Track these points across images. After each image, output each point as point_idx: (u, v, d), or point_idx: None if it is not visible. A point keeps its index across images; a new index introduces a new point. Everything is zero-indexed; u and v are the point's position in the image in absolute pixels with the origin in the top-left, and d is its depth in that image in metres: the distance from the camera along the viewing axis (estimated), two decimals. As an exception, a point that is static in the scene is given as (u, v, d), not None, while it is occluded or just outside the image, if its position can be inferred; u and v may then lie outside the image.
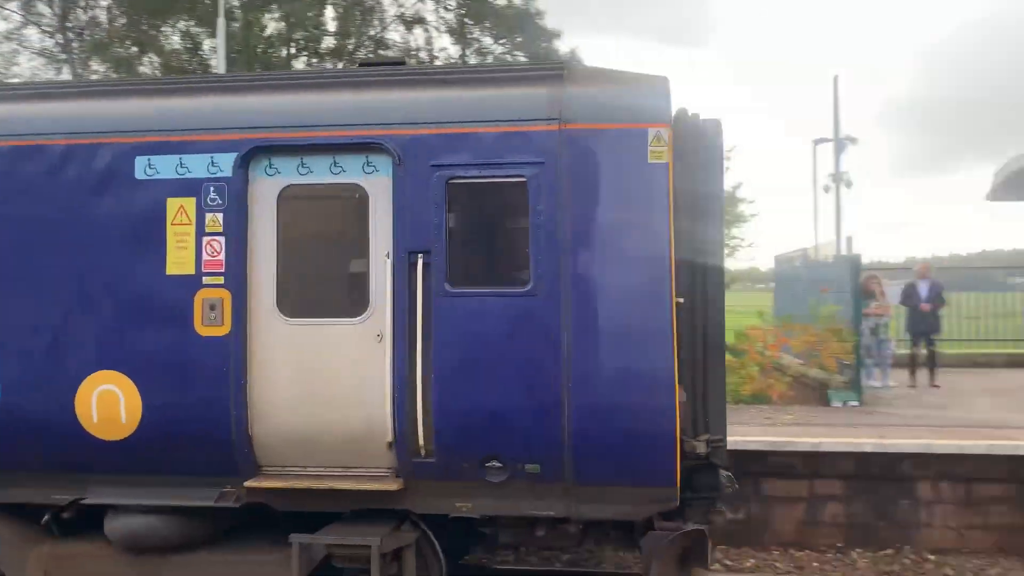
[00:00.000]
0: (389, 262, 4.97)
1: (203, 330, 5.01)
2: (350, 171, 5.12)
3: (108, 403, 5.10)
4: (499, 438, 4.97)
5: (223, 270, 5.00)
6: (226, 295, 4.98)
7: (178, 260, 5.03)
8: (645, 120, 5.03)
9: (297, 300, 5.15)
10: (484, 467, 4.98)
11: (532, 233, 4.96)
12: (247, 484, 5.11)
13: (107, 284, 5.13)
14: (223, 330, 5.00)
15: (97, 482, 5.23)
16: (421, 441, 4.95)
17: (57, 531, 5.49)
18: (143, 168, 5.10)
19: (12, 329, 5.23)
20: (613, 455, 4.94)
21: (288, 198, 5.10)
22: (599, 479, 5.00)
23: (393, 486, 4.99)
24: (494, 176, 5.04)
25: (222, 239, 4.99)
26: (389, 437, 4.99)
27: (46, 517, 5.43)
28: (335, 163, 5.11)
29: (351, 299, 5.15)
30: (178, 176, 5.05)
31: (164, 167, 5.07)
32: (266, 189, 5.08)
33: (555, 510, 5.08)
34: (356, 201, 5.13)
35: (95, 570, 5.43)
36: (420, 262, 4.91)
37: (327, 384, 5.06)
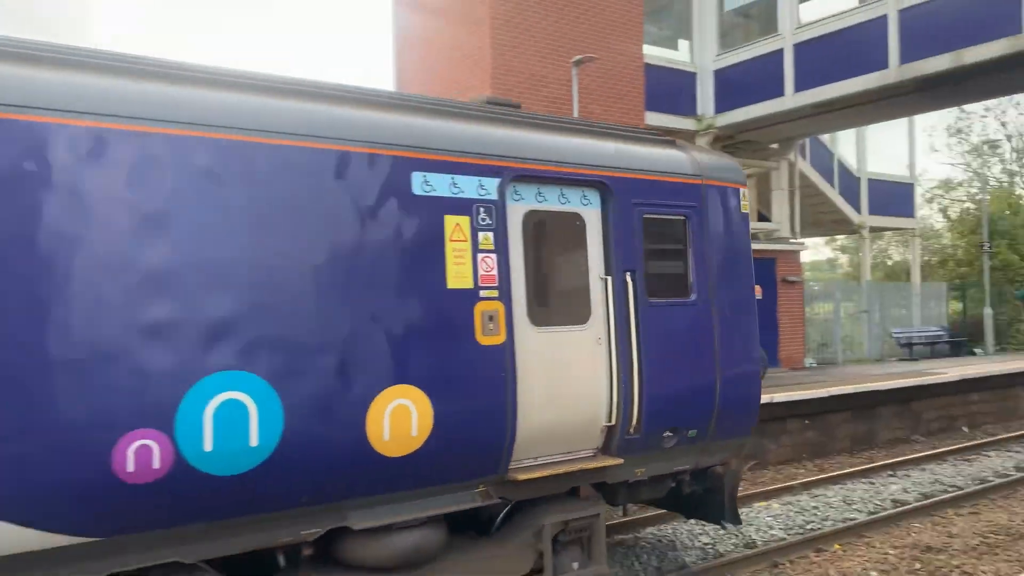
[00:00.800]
0: (609, 279, 6.13)
1: (483, 340, 5.43)
2: (572, 202, 6.14)
3: (400, 418, 5.07)
4: (679, 413, 6.34)
5: (496, 284, 5.53)
6: (500, 307, 5.51)
7: (457, 275, 5.39)
8: (740, 182, 7.05)
9: (539, 311, 5.87)
10: (663, 437, 6.28)
11: (690, 257, 6.55)
12: (509, 477, 5.58)
13: (394, 299, 5.13)
14: (500, 339, 5.49)
15: (356, 506, 5.02)
16: (634, 422, 6.05)
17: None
18: (420, 184, 5.33)
19: (295, 352, 4.67)
20: (733, 417, 6.66)
21: (529, 221, 5.90)
22: (724, 436, 6.66)
23: (617, 461, 6.01)
24: (669, 213, 6.51)
25: (494, 256, 5.56)
26: (607, 421, 6.03)
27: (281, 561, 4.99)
28: (562, 194, 6.09)
29: (578, 309, 6.08)
30: (452, 195, 5.44)
31: (439, 185, 5.42)
32: (515, 212, 5.81)
33: (688, 463, 6.61)
34: (576, 227, 6.17)
35: None
36: (630, 279, 6.16)
37: (566, 383, 5.90)
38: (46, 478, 3.84)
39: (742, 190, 7.11)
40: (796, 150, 18.77)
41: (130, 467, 4.04)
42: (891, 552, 7.47)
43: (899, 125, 23.25)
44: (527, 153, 5.88)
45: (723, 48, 17.02)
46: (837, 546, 7.80)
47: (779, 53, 15.42)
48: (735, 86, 16.33)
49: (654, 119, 15.72)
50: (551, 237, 6.17)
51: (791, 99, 15.17)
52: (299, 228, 4.77)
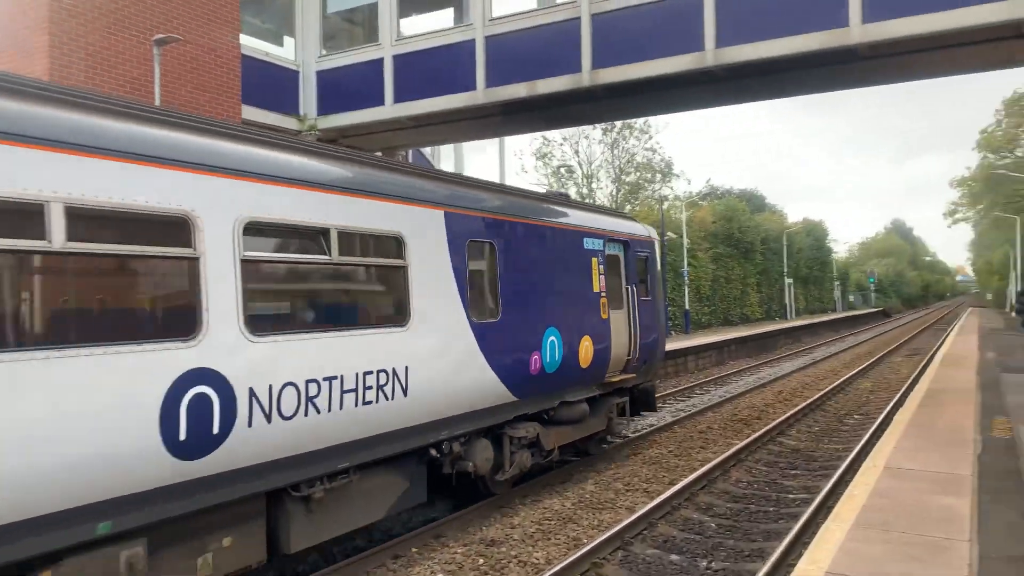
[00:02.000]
0: (630, 287, 11.94)
1: (603, 315, 11.07)
2: (615, 250, 11.73)
3: (587, 350, 10.53)
4: (646, 353, 12.17)
5: (603, 290, 11.22)
6: (605, 300, 11.24)
7: (596, 284, 11.05)
8: (656, 238, 13.63)
9: (610, 302, 11.38)
10: (641, 364, 12.04)
11: (649, 277, 12.80)
12: (606, 380, 11.18)
13: (583, 297, 10.72)
14: (606, 316, 11.21)
15: (568, 390, 10.32)
16: (636, 357, 11.80)
17: None
18: (587, 243, 10.97)
19: (563, 321, 10.05)
20: (658, 357, 13.18)
21: (604, 259, 11.27)
22: (654, 366, 13.09)
23: (632, 376, 11.85)
24: (643, 256, 12.60)
25: (602, 277, 11.24)
26: (628, 356, 11.67)
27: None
28: (612, 245, 11.60)
29: (620, 301, 11.72)
30: (592, 248, 11.11)
31: (592, 245, 11.06)
32: (602, 255, 11.26)
33: (646, 379, 12.80)
34: (615, 261, 11.76)
35: None
36: (633, 288, 11.99)
37: (621, 337, 11.55)
38: (518, 373, 8.88)
39: (656, 241, 13.74)
40: (401, 159, 19.32)
41: (532, 369, 9.15)
42: (459, 551, 7.76)
43: (494, 144, 25.34)
44: (614, 230, 11.74)
45: (327, 50, 16.80)
46: (414, 550, 7.91)
47: (379, 62, 15.65)
48: (338, 89, 16.20)
49: (253, 114, 14.88)
50: (609, 267, 11.37)
51: (390, 109, 15.49)
52: (566, 267, 10.29)
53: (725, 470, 11.24)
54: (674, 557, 7.79)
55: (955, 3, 11.18)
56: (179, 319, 5.34)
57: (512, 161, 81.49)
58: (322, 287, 6.82)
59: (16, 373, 4.37)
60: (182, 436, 5.18)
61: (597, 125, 48.59)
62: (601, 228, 11.26)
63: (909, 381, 19.80)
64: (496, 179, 27.28)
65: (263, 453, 5.80)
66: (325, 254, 6.44)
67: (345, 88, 16.14)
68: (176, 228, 5.26)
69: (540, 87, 14.08)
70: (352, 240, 6.83)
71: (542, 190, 36.94)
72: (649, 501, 9.36)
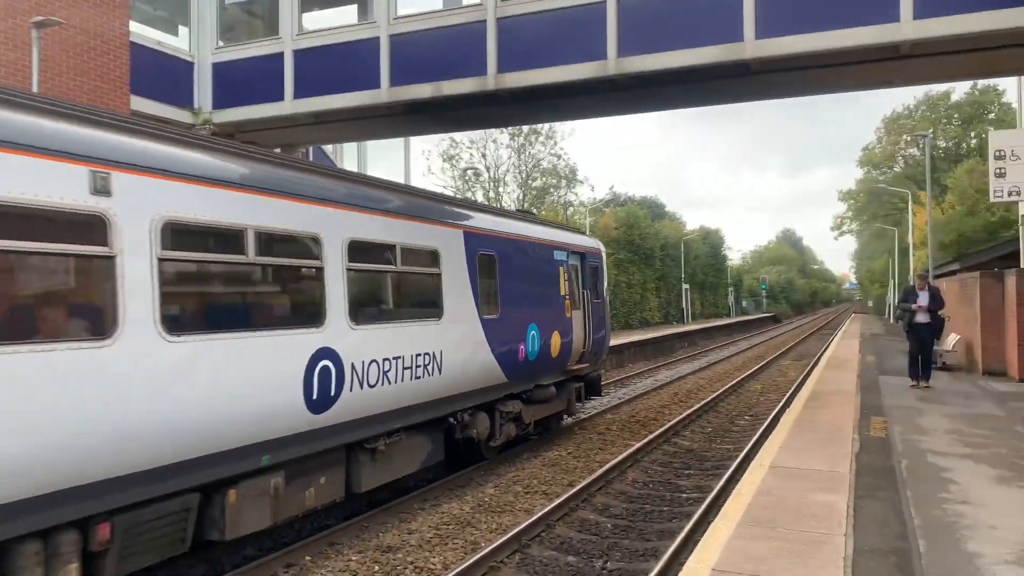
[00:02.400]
0: (585, 292, 14.27)
1: (567, 314, 13.52)
2: (574, 260, 13.98)
3: (556, 343, 12.84)
4: (596, 347, 14.61)
5: (568, 293, 13.63)
6: (568, 302, 13.71)
7: (562, 288, 13.48)
8: (603, 249, 16.16)
9: (573, 303, 13.83)
10: (592, 356, 14.51)
11: (599, 283, 15.23)
12: (568, 369, 13.56)
13: (552, 300, 13.05)
14: (569, 315, 13.59)
15: (541, 376, 12.56)
16: (588, 349, 14.13)
17: None
18: (557, 256, 13.41)
19: (540, 320, 12.32)
20: (604, 350, 15.69)
21: (567, 268, 13.59)
22: (601, 358, 15.62)
23: (586, 366, 14.19)
24: (594, 265, 15.01)
25: (567, 283, 13.64)
26: (583, 349, 13.90)
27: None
28: (572, 256, 13.89)
29: (580, 303, 14.14)
30: (559, 260, 13.43)
31: (560, 257, 13.48)
32: (565, 265, 13.62)
33: (595, 369, 15.11)
34: (575, 269, 14.09)
35: None
36: (588, 291, 14.35)
37: (578, 332, 13.81)
38: (510, 359, 11.00)
39: (604, 252, 16.15)
40: (301, 157, 18.83)
41: (519, 357, 11.21)
42: (354, 558, 7.59)
43: (399, 144, 25.08)
44: (574, 244, 14.05)
45: (225, 41, 16.21)
46: (308, 558, 7.69)
47: (279, 56, 15.22)
48: (236, 83, 15.66)
49: (143, 105, 14.18)
50: (570, 274, 13.51)
51: (290, 105, 15.08)
52: (543, 275, 12.64)
53: (622, 471, 11.44)
54: (571, 558, 7.85)
55: (839, 24, 11.79)
56: (313, 312, 7.44)
57: (419, 162, 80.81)
58: (392, 288, 9.11)
59: (229, 347, 6.38)
60: (314, 396, 7.23)
61: (504, 129, 48.89)
62: (565, 242, 13.73)
63: (796, 383, 20.73)
64: (401, 180, 27.06)
65: (354, 412, 7.87)
66: (392, 265, 8.80)
67: (243, 82, 15.61)
68: (312, 246, 7.47)
69: (445, 88, 14.01)
70: (408, 254, 9.05)
71: (449, 192, 36.85)
72: (548, 503, 9.41)
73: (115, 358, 5.38)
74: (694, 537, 7.71)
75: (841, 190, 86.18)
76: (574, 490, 9.90)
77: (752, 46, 12.28)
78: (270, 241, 6.92)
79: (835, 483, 7.66)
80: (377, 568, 7.33)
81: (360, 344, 7.87)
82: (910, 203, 47.53)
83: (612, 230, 50.55)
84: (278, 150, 17.31)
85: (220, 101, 15.76)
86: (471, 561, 7.23)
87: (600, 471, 10.91)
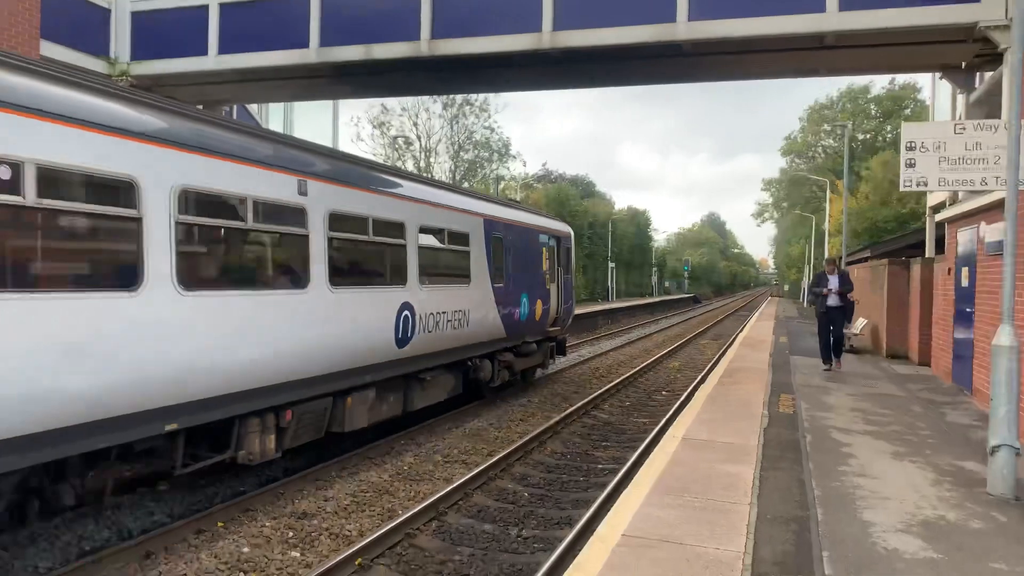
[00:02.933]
0: (559, 268, 17.56)
1: (547, 286, 16.82)
2: (551, 244, 17.02)
3: (540, 309, 16.00)
4: (566, 313, 18.15)
5: (548, 269, 16.97)
6: (548, 276, 17.16)
7: (543, 265, 16.81)
8: (572, 233, 19.20)
9: (549, 277, 17.30)
10: (564, 322, 17.88)
11: (570, 261, 18.59)
12: (548, 332, 17.01)
13: (538, 275, 16.34)
14: (550, 286, 17.04)
15: (529, 335, 15.59)
16: (560, 315, 17.46)
17: None
18: (543, 240, 16.77)
19: (529, 288, 15.51)
20: (566, 317, 18.12)
21: (550, 249, 17.01)
22: (564, 322, 18.04)
23: (558, 329, 17.49)
24: (567, 246, 18.16)
25: (549, 260, 17.25)
26: (555, 315, 17.12)
27: None
28: (551, 239, 17.06)
29: (553, 276, 17.51)
30: (543, 243, 16.43)
31: (545, 241, 16.88)
32: (546, 246, 16.90)
33: (564, 333, 18.34)
34: (552, 250, 17.13)
35: None
36: (563, 269, 17.74)
37: (555, 300, 17.26)
38: (509, 319, 14.17)
39: (572, 236, 18.93)
40: (223, 115, 18.20)
41: (515, 318, 14.45)
42: (268, 524, 7.49)
43: (327, 107, 24.50)
44: (552, 229, 17.17)
45: (145, -11, 15.46)
46: (220, 524, 7.54)
47: (204, 9, 14.63)
48: (156, 34, 14.99)
49: (53, 51, 13.43)
50: (550, 253, 16.64)
51: (214, 60, 14.55)
52: (532, 254, 15.71)
53: (541, 442, 11.60)
54: (487, 526, 7.94)
55: (770, 11, 12.05)
56: (400, 273, 10.34)
57: (348, 128, 79.17)
58: (443, 261, 12.03)
59: (363, 295, 9.43)
60: (399, 336, 10.15)
61: (437, 98, 48.30)
62: (546, 227, 16.95)
63: (712, 361, 21.37)
64: (328, 144, 26.48)
65: (419, 350, 10.76)
66: (443, 243, 11.78)
67: (164, 33, 14.95)
68: (401, 229, 10.39)
69: (377, 52, 13.73)
70: (452, 236, 12.11)
71: (379, 160, 36.41)
72: (467, 472, 9.47)
73: (307, 300, 8.36)
74: (608, 506, 7.89)
75: (765, 179, 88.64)
76: (493, 460, 9.99)
77: (685, 27, 12.45)
78: (384, 227, 10.03)
79: (743, 455, 7.95)
80: (292, 534, 7.26)
81: (425, 300, 10.87)
82: (828, 191, 49.24)
83: (543, 206, 50.79)
84: (200, 107, 16.72)
85: (139, 52, 15.07)
86: (387, 527, 7.23)
87: (520, 442, 11.04)
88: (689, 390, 15.93)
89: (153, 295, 6.33)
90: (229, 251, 7.60)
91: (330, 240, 8.73)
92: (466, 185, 46.23)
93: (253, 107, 20.70)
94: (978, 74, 13.86)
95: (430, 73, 14.96)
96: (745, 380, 13.85)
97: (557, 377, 18.72)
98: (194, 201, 6.86)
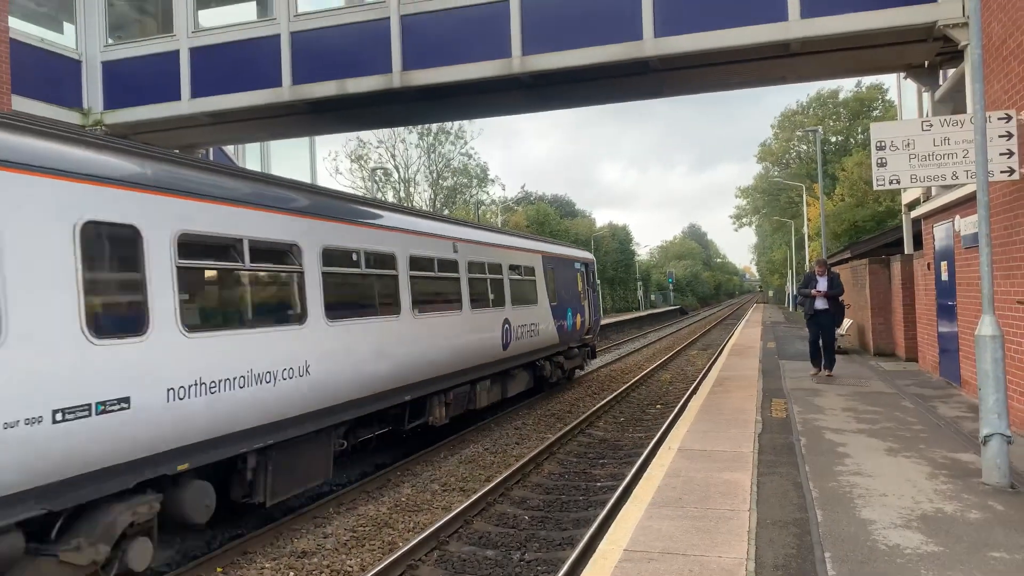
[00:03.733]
0: (589, 289, 21.98)
1: (583, 301, 21.89)
2: (581, 268, 21.82)
3: (577, 320, 20.45)
4: (596, 324, 23.10)
5: (581, 293, 21.83)
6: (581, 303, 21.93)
7: (576, 289, 21.86)
8: (594, 260, 24.04)
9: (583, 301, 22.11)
10: (592, 330, 22.35)
11: (588, 282, 22.13)
12: (584, 340, 21.58)
13: (574, 293, 20.87)
14: (583, 302, 22.12)
15: (571, 345, 20.13)
16: (590, 327, 21.72)
17: None
18: (576, 265, 21.74)
19: (571, 304, 19.99)
20: (595, 328, 22.95)
21: (581, 274, 22.14)
22: (594, 331, 22.85)
23: (590, 337, 21.84)
24: (593, 270, 23.11)
25: (584, 285, 22.27)
26: (589, 325, 22.04)
27: None
28: (576, 266, 21.35)
29: (580, 296, 21.85)
30: (576, 269, 21.56)
31: (579, 267, 21.90)
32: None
33: (593, 341, 22.68)
34: (584, 274, 22.03)
35: None
36: (590, 288, 22.70)
37: (583, 317, 21.10)
38: (560, 329, 18.64)
39: (593, 263, 23.27)
40: (200, 157, 18.19)
41: (564, 328, 18.90)
42: (268, 566, 7.42)
43: (304, 144, 24.58)
44: (582, 257, 22.14)
45: (115, 39, 15.51)
46: (219, 569, 7.47)
47: (175, 55, 14.68)
48: (128, 82, 15.01)
49: (26, 105, 13.41)
50: (581, 276, 21.40)
51: (187, 104, 14.57)
52: (571, 278, 20.44)
53: (538, 464, 11.57)
54: (489, 552, 7.90)
55: (734, 23, 12.24)
56: (501, 298, 14.74)
57: (326, 163, 79.17)
58: (524, 288, 16.34)
59: (484, 315, 13.88)
60: (503, 342, 14.51)
61: (412, 129, 48.53)
62: (578, 256, 21.65)
63: (703, 371, 21.43)
64: (308, 180, 26.54)
65: (513, 352, 15.06)
66: (520, 275, 16.12)
67: (136, 81, 14.98)
68: (499, 270, 15.02)
69: (350, 86, 13.82)
70: (524, 270, 16.55)
71: (359, 193, 36.51)
72: (465, 500, 9.43)
73: (459, 318, 12.73)
74: (609, 522, 7.88)
75: (739, 187, 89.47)
76: (491, 485, 9.95)
77: (652, 44, 12.62)
78: (493, 268, 14.57)
79: (739, 462, 7.97)
80: (292, 574, 7.19)
81: (515, 317, 15.28)
82: (804, 196, 49.73)
83: (524, 228, 50.98)
84: (176, 151, 16.72)
85: (112, 101, 15.08)
86: (388, 561, 7.18)
87: (517, 465, 11.01)
88: (682, 402, 15.96)
89: (414, 320, 11.00)
90: (440, 288, 12.45)
91: (469, 280, 13.28)
92: (447, 212, 46.39)
93: (229, 148, 20.73)
94: (941, 72, 14.12)
95: (404, 104, 15.06)
96: (736, 388, 13.90)
97: (551, 397, 18.71)
98: (469, 262, 13.52)
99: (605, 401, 17.11)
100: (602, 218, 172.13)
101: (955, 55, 12.42)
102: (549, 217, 57.17)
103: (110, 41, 15.35)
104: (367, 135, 46.99)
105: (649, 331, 50.43)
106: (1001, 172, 8.57)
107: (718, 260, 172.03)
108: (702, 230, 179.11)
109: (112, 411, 5.88)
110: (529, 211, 58.29)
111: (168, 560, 7.76)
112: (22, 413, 5.19)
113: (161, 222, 6.59)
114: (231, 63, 14.44)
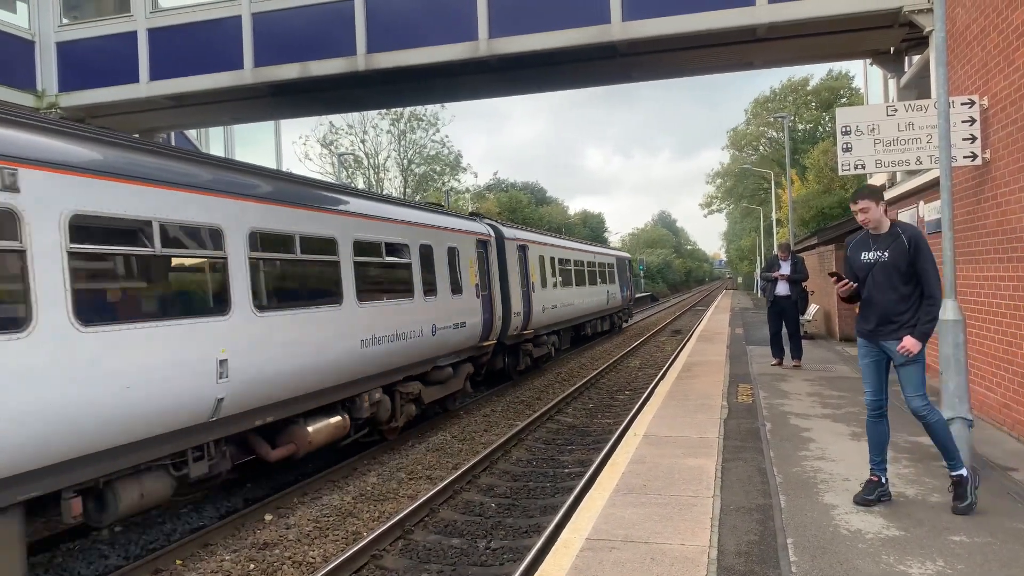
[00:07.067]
0: (619, 277, 35.49)
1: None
2: (622, 263, 38.31)
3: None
4: (632, 298, 41.20)
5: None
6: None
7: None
8: (629, 256, 43.55)
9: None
10: (629, 300, 39.01)
11: (629, 271, 39.91)
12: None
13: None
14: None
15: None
16: (629, 298, 39.32)
17: None
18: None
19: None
20: (632, 300, 40.18)
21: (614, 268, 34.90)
22: (632, 301, 40.98)
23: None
24: (627, 263, 39.59)
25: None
26: (629, 298, 39.11)
27: None
28: (622, 260, 37.69)
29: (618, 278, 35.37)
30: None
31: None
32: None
33: (631, 304, 39.45)
34: (622, 266, 36.91)
35: None
36: (629, 275, 42.06)
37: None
38: (613, 301, 32.92)
39: (629, 258, 40.75)
40: (161, 141, 17.78)
41: (619, 299, 34.71)
42: (228, 558, 7.27)
43: (269, 128, 24.16)
44: (623, 256, 38.92)
45: (70, 19, 15.05)
46: (178, 562, 7.30)
47: (132, 36, 14.28)
48: (84, 64, 14.59)
49: (-25, 87, 12.99)
50: (623, 268, 37.30)
51: (145, 87, 14.20)
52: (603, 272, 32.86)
53: (506, 451, 11.51)
54: (455, 541, 7.82)
55: (701, 7, 12.18)
56: (593, 279, 28.81)
57: (293, 148, 78.03)
58: (607, 276, 32.02)
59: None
60: (602, 305, 29.73)
61: (383, 114, 48.02)
62: (621, 256, 35.94)
63: (672, 357, 21.51)
64: (272, 165, 26.15)
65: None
66: (606, 269, 32.41)
67: (92, 62, 14.57)
68: (591, 266, 28.49)
69: (313, 69, 13.55)
70: (608, 266, 32.71)
71: (330, 179, 36.26)
72: (432, 488, 9.34)
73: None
74: (575, 510, 7.83)
75: (708, 173, 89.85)
76: (458, 472, 9.87)
77: (620, 28, 12.52)
78: (579, 264, 25.86)
79: (704, 448, 7.96)
80: (253, 566, 7.05)
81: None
82: (772, 183, 50.12)
83: (495, 215, 50.85)
84: (136, 136, 16.32)
85: (67, 83, 14.65)
86: (352, 551, 7.07)
87: (484, 452, 10.93)
88: (651, 388, 15.99)
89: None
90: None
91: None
92: (417, 198, 46.17)
93: (192, 132, 20.30)
94: (907, 58, 14.19)
95: (369, 87, 14.81)
96: (703, 373, 13.94)
97: (519, 383, 18.65)
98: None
99: (575, 387, 17.10)
100: (580, 206, 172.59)
101: (920, 41, 12.48)
102: (522, 204, 57.02)
103: (65, 21, 14.89)
104: (337, 120, 46.43)
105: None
106: (964, 157, 8.61)
107: (688, 247, 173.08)
108: (672, 217, 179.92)
109: None
110: (501, 198, 58.10)
111: (125, 555, 7.58)
112: None
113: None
114: (191, 45, 14.09)
